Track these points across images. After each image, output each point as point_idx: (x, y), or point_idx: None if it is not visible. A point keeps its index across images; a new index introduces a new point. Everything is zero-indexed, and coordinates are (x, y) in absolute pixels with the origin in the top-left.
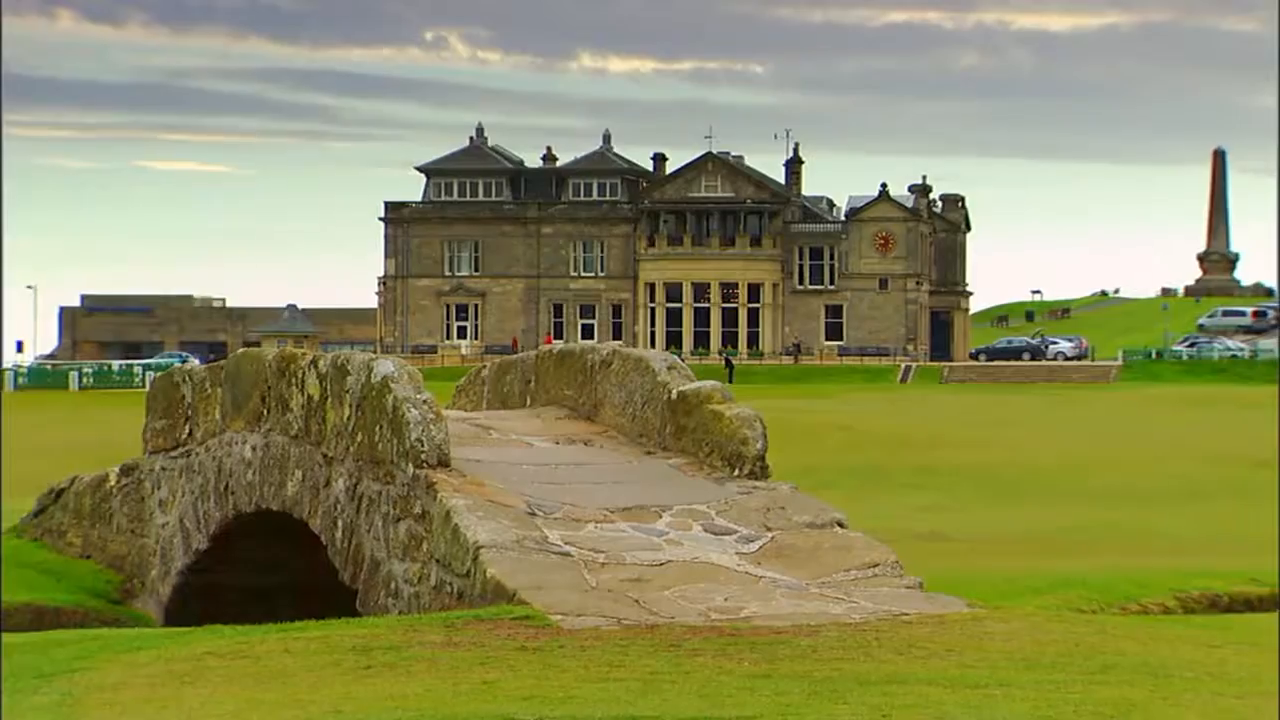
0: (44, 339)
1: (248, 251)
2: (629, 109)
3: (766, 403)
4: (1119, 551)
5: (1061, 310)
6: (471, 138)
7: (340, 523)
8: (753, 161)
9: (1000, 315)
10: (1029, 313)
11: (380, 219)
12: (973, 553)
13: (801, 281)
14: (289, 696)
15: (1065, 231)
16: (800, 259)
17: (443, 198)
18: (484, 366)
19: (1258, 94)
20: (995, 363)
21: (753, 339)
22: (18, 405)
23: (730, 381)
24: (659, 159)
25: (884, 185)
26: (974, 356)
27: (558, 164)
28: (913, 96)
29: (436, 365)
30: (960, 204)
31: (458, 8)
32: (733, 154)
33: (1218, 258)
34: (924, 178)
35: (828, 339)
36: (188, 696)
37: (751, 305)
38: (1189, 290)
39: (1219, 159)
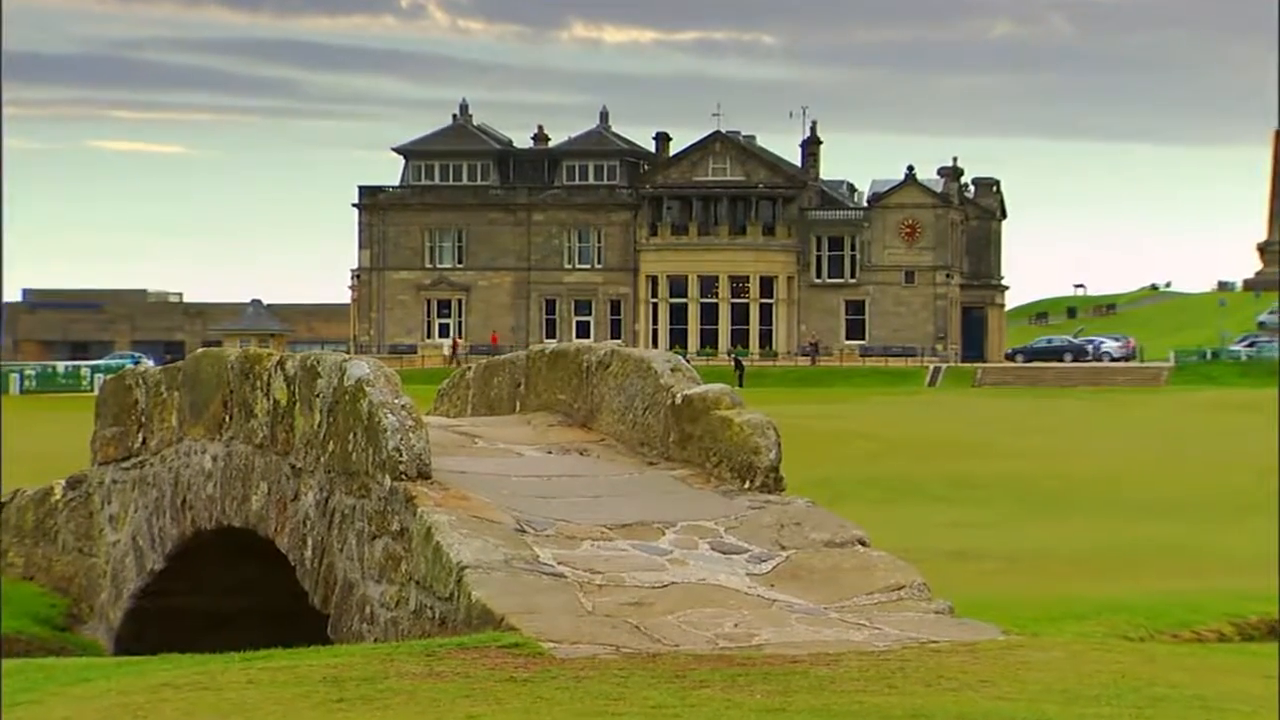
0: None
1: (207, 242)
2: (628, 84)
3: (780, 408)
4: (1170, 572)
5: (1107, 306)
6: (454, 116)
7: (310, 541)
8: (765, 142)
9: (1039, 312)
10: (1071, 309)
11: (354, 205)
12: (1008, 573)
13: (819, 274)
14: None
15: (1111, 219)
16: (818, 249)
17: (423, 182)
18: (469, 368)
19: None
20: (1033, 364)
21: (765, 338)
22: None
23: (740, 385)
24: (661, 139)
25: (910, 168)
26: (1010, 357)
27: (550, 145)
28: (942, 70)
29: (416, 367)
30: (995, 189)
31: None
32: (743, 134)
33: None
34: (955, 160)
35: (848, 338)
36: None
37: (764, 300)
38: (1248, 284)
39: None
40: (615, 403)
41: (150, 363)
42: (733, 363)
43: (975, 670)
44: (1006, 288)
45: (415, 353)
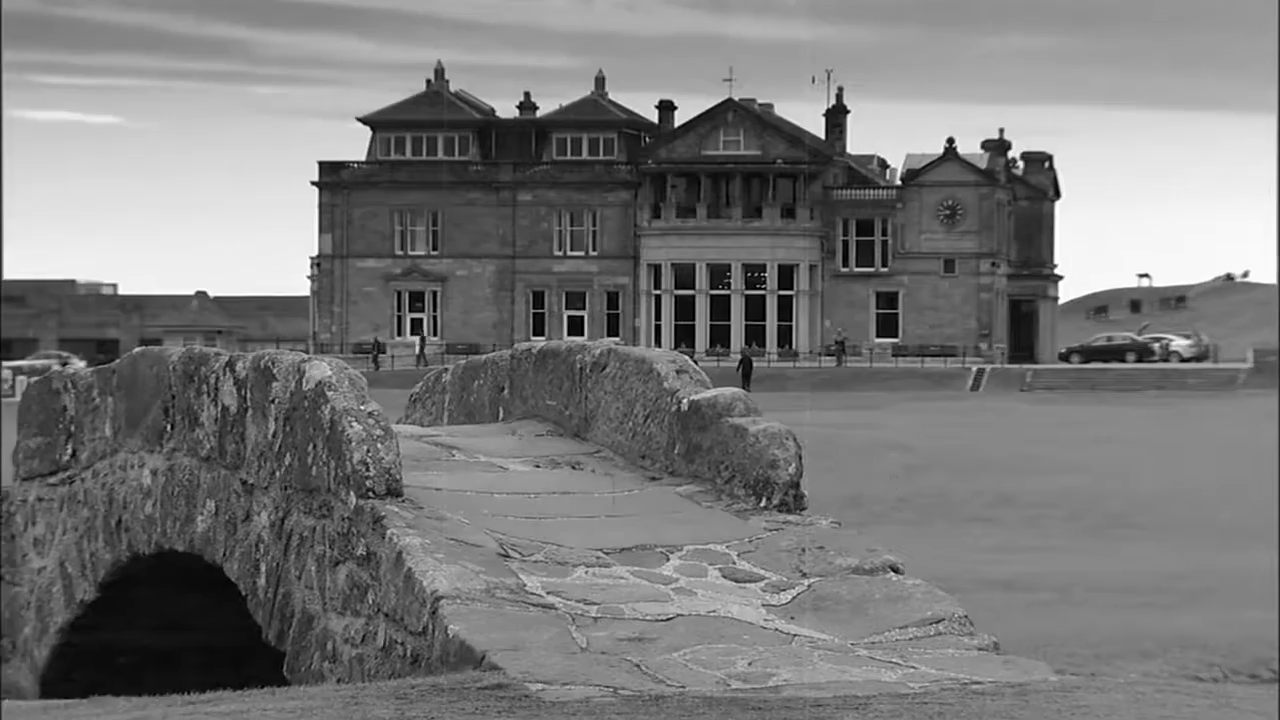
0: None
1: (145, 226)
2: (626, 45)
3: (802, 416)
4: (1247, 603)
5: (1175, 299)
6: (428, 81)
7: (263, 567)
8: (783, 111)
9: (1098, 305)
10: (1134, 302)
11: (313, 184)
12: (1062, 605)
13: (846, 263)
14: None
15: (1181, 200)
16: (845, 234)
17: (392, 156)
18: (445, 370)
19: None
20: (1091, 365)
21: (784, 335)
22: None
23: (746, 388)
24: (665, 108)
25: (950, 141)
26: (1064, 357)
27: (537, 114)
28: (986, 29)
29: (385, 368)
30: (1047, 164)
31: None
32: (759, 101)
33: None
34: (1001, 131)
35: (879, 335)
36: None
37: (783, 292)
38: None
39: None
40: (612, 409)
41: (80, 364)
42: (739, 361)
43: (1024, 716)
44: (1060, 278)
45: (384, 352)
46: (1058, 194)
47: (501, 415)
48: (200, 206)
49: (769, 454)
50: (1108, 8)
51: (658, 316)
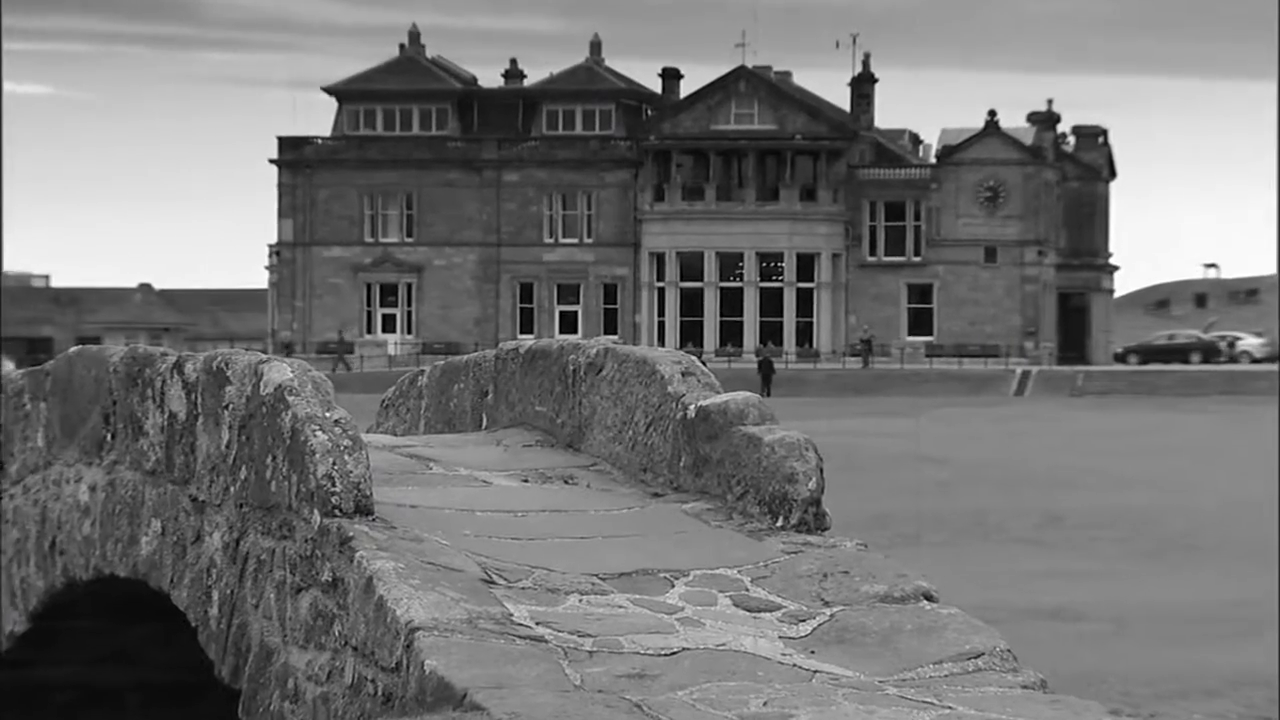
0: None
1: (82, 210)
2: (625, 5)
3: (824, 424)
4: None
5: (1246, 292)
6: (402, 46)
7: (216, 594)
8: (803, 80)
9: (1158, 300)
10: (1200, 296)
11: (272, 162)
12: (1117, 637)
13: (874, 251)
14: None
15: (1252, 180)
16: (872, 219)
17: (361, 131)
18: (421, 372)
19: None
20: (1150, 366)
21: (804, 333)
22: None
23: (767, 393)
24: (670, 77)
25: (992, 114)
26: (1120, 358)
27: (525, 84)
28: None
29: (354, 370)
30: (1101, 140)
31: None
32: (775, 70)
33: None
34: (1049, 103)
35: (911, 333)
36: None
37: (802, 285)
38: None
39: None
40: (610, 417)
41: (9, 366)
42: (758, 364)
43: None
44: (1116, 269)
45: (352, 352)
46: (1113, 174)
47: (485, 423)
48: (143, 188)
49: (786, 467)
50: None
51: (661, 312)
